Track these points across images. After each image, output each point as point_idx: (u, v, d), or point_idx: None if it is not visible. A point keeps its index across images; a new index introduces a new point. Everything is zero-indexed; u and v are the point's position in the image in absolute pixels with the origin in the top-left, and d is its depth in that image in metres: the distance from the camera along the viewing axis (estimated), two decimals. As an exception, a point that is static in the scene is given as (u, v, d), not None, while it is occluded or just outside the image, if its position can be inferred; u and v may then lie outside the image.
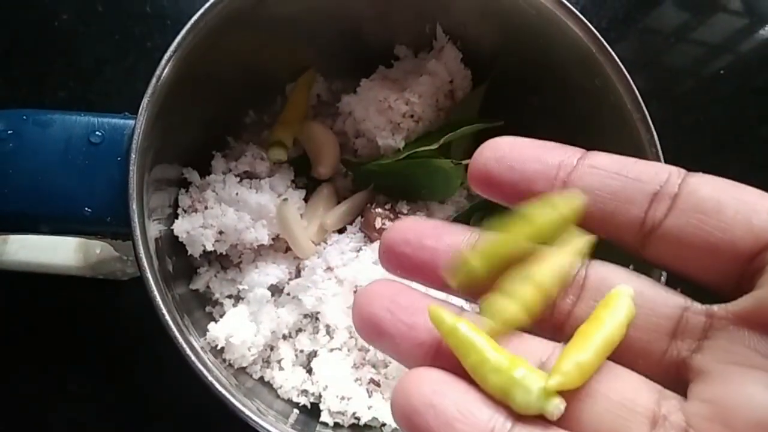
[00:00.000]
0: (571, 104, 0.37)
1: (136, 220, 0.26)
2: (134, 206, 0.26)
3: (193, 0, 0.46)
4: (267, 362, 0.37)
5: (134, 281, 0.42)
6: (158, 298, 0.26)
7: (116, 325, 0.43)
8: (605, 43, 0.32)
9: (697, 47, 0.64)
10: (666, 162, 0.51)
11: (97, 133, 0.27)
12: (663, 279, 0.28)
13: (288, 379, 0.36)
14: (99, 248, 0.40)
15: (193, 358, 0.27)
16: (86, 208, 0.27)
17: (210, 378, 0.27)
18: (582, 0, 0.60)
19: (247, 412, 0.27)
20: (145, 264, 0.26)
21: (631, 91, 0.32)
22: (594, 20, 0.59)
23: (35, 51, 0.48)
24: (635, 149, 0.33)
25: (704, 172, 0.18)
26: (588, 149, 0.20)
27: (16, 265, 0.39)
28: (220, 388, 0.27)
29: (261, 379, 0.37)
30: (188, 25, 0.28)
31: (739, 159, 0.58)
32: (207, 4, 0.29)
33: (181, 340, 0.27)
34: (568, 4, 0.33)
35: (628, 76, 0.32)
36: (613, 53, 0.32)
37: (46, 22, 0.49)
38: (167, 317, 0.27)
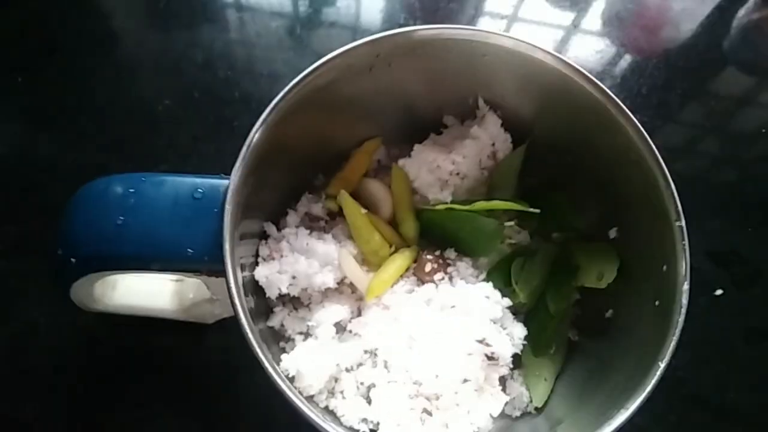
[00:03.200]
0: (599, 162, 0.41)
1: (228, 258, 0.32)
2: (227, 246, 0.32)
3: (273, 86, 0.52)
4: (331, 392, 0.41)
5: (218, 325, 0.48)
6: (245, 324, 0.32)
7: (202, 364, 0.49)
8: (623, 105, 0.37)
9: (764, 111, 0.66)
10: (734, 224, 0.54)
11: (199, 190, 0.34)
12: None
13: (350, 408, 0.40)
14: (192, 293, 0.46)
15: (278, 379, 0.31)
16: (189, 250, 0.33)
17: (292, 396, 0.31)
18: (659, 71, 0.64)
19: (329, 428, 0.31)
20: (235, 293, 0.31)
21: (649, 147, 0.37)
22: (659, 91, 0.62)
23: (142, 133, 0.57)
24: (659, 201, 0.37)
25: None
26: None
27: (122, 309, 0.46)
28: (303, 406, 0.31)
29: (326, 407, 0.41)
30: (271, 105, 0.35)
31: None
32: (285, 89, 0.36)
33: (267, 363, 0.32)
34: (589, 75, 0.38)
35: (645, 132, 0.37)
36: (629, 113, 0.37)
37: (151, 107, 0.58)
38: (254, 342, 0.32)
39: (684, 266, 0.34)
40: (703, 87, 0.67)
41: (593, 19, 0.69)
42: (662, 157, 0.36)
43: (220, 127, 0.57)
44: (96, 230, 0.34)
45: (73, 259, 0.34)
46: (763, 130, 0.64)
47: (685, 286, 0.34)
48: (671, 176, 0.36)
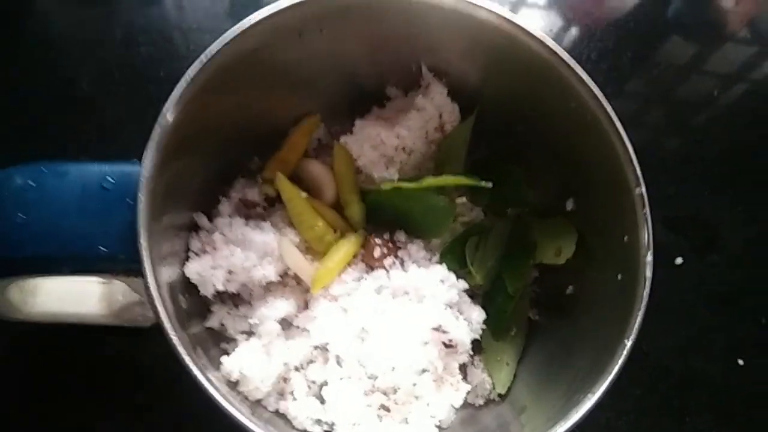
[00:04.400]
0: (553, 129, 0.39)
1: (145, 255, 0.28)
2: (143, 242, 0.28)
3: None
4: (281, 394, 0.38)
5: (157, 328, 0.44)
6: (170, 331, 0.28)
7: (140, 371, 0.45)
8: (575, 66, 0.34)
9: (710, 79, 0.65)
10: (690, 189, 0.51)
11: (108, 178, 0.30)
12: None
13: (302, 410, 0.37)
14: (121, 295, 0.42)
15: (211, 389, 0.28)
16: (101, 247, 0.29)
17: (231, 409, 0.28)
18: (601, 43, 0.62)
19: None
20: (156, 295, 0.28)
21: (603, 110, 0.34)
22: (610, 58, 0.61)
23: (59, 118, 0.52)
24: (617, 167, 0.34)
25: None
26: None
27: (45, 317, 0.41)
28: (243, 418, 0.28)
29: (276, 411, 0.38)
30: (184, 79, 0.31)
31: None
32: (200, 59, 0.32)
33: (197, 372, 0.28)
34: (537, 33, 0.35)
35: (599, 94, 0.34)
36: (582, 73, 0.34)
37: (68, 91, 0.53)
38: (181, 350, 0.28)
39: (646, 236, 0.32)
40: (650, 54, 0.65)
41: None
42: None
43: (145, 108, 0.52)
44: (-9, 231, 0.29)
45: (-30, 266, 0.30)
46: (716, 93, 0.63)
47: (649, 257, 0.32)
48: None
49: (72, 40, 0.56)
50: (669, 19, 0.68)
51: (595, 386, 0.30)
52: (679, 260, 0.54)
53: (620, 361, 0.30)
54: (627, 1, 0.68)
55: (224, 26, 0.55)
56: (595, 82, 0.34)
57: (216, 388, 0.28)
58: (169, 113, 0.30)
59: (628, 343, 0.30)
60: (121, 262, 0.30)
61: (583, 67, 0.34)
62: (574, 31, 0.64)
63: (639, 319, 0.31)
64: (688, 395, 0.50)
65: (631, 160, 0.33)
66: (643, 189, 0.33)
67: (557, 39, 0.51)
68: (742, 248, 0.56)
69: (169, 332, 0.28)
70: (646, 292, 0.31)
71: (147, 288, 0.28)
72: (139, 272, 0.29)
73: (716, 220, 0.57)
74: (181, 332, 0.29)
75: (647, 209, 0.32)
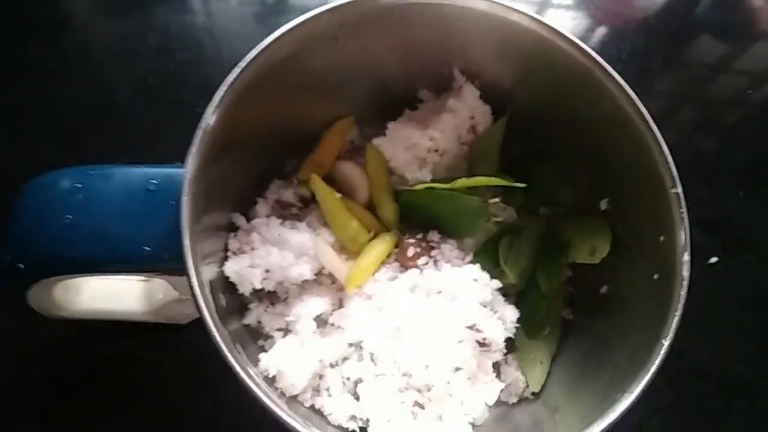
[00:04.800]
0: (586, 130, 0.39)
1: (188, 254, 0.29)
2: (186, 242, 0.29)
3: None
4: (317, 390, 0.39)
5: (194, 325, 0.45)
6: (212, 326, 0.29)
7: (177, 367, 0.46)
8: (608, 68, 0.35)
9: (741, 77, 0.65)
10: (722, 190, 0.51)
11: (152, 181, 0.31)
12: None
13: (337, 406, 0.38)
14: (161, 293, 0.43)
15: (251, 384, 0.29)
16: (145, 248, 0.30)
17: (270, 403, 0.28)
18: (629, 43, 0.62)
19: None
20: (198, 292, 0.29)
21: (638, 111, 0.34)
22: (639, 59, 0.61)
23: (97, 126, 0.53)
24: (652, 168, 0.34)
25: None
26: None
27: (89, 314, 0.42)
28: (281, 413, 0.28)
29: (312, 407, 0.38)
30: (225, 84, 0.32)
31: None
32: (240, 66, 0.33)
33: (238, 367, 0.29)
34: (571, 36, 0.35)
35: (633, 96, 0.34)
36: (616, 75, 0.34)
37: (106, 99, 0.54)
38: (222, 345, 0.29)
39: (683, 235, 0.32)
40: (680, 54, 0.65)
41: None
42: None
43: (181, 114, 0.53)
44: (42, 232, 0.31)
45: (21, 265, 0.31)
46: (749, 91, 0.62)
47: (686, 257, 0.32)
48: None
49: (108, 49, 0.58)
50: (698, 19, 0.68)
51: (632, 385, 0.30)
52: (713, 259, 0.53)
53: (658, 361, 0.30)
54: (655, 1, 0.67)
55: (253, 32, 0.56)
56: (625, 82, 0.34)
57: (256, 384, 0.29)
58: (210, 117, 0.31)
59: (666, 343, 0.30)
60: (164, 261, 0.31)
61: (612, 68, 0.34)
62: (601, 32, 0.64)
63: (677, 319, 0.31)
64: (723, 397, 0.49)
65: (667, 161, 0.33)
66: (680, 189, 0.33)
67: (585, 40, 0.50)
68: None
69: (211, 328, 0.28)
70: (683, 292, 0.31)
71: (191, 286, 0.29)
72: (182, 271, 0.30)
73: (749, 220, 0.56)
74: (222, 329, 0.30)
75: (684, 209, 0.32)
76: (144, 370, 0.46)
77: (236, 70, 0.33)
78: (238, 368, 0.28)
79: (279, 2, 0.62)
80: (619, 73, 0.34)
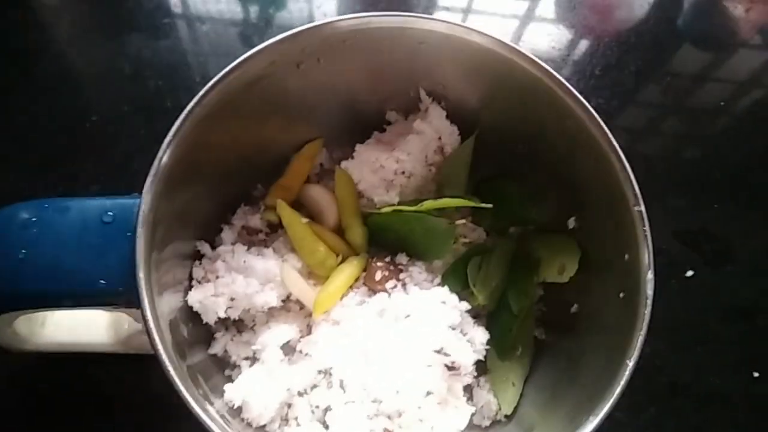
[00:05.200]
0: (552, 149, 0.38)
1: (143, 288, 0.28)
2: (141, 275, 0.28)
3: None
4: (285, 420, 0.38)
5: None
6: (166, 362, 0.28)
7: (146, 397, 0.45)
8: (568, 86, 0.35)
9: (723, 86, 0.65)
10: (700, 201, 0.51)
11: (109, 213, 0.31)
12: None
13: (306, 435, 0.37)
14: (126, 324, 0.42)
15: (207, 420, 0.28)
16: (101, 281, 0.30)
17: None
18: (611, 54, 0.62)
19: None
20: (153, 327, 0.28)
21: (600, 128, 0.34)
22: (621, 69, 0.60)
23: (68, 154, 0.53)
24: (615, 185, 0.34)
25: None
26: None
27: (53, 347, 0.42)
28: None
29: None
30: (183, 114, 0.32)
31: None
32: (198, 95, 0.32)
33: (194, 405, 0.28)
34: (531, 56, 0.35)
35: (595, 113, 0.34)
36: (576, 93, 0.34)
37: (79, 125, 0.54)
38: (177, 381, 0.28)
39: (646, 254, 0.32)
40: (660, 65, 0.65)
41: (547, 5, 0.67)
42: (621, 138, 0.34)
43: (153, 141, 0.53)
44: (-6, 268, 0.30)
45: (-25, 302, 0.31)
46: (722, 103, 0.62)
47: (649, 275, 0.31)
48: (632, 157, 0.34)
49: (83, 76, 0.58)
50: (679, 29, 0.68)
51: (597, 408, 0.29)
52: (690, 273, 0.53)
53: (622, 383, 0.30)
54: (635, 13, 0.68)
55: (230, 53, 0.56)
56: (606, 93, 0.34)
57: (212, 419, 0.28)
58: (167, 149, 0.31)
59: (630, 363, 0.30)
60: (120, 295, 0.30)
61: (587, 82, 0.34)
62: (584, 45, 0.64)
63: (641, 339, 0.30)
64: (705, 410, 0.49)
65: (630, 179, 0.33)
66: (642, 207, 0.32)
67: (567, 53, 0.50)
68: (755, 259, 0.55)
69: (165, 364, 0.28)
70: (647, 311, 0.31)
71: (145, 320, 0.28)
72: (138, 306, 0.29)
73: (727, 231, 0.56)
74: (180, 363, 0.29)
75: (647, 227, 0.32)
76: (112, 401, 0.45)
77: (195, 99, 0.33)
78: (193, 404, 0.28)
79: (252, 26, 0.62)
80: (599, 84, 0.34)
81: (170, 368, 0.27)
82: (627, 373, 0.30)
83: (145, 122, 0.54)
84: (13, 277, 0.30)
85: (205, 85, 0.33)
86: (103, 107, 0.55)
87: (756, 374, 0.50)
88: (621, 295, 0.33)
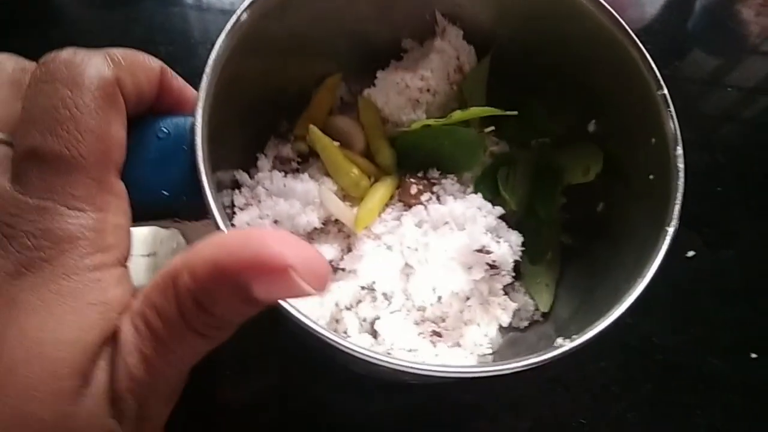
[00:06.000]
0: (570, 55, 0.40)
1: (206, 187, 0.29)
2: (204, 177, 0.29)
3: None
4: (336, 333, 0.39)
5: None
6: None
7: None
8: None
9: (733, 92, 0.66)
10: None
11: (163, 129, 0.31)
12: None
13: (357, 346, 0.38)
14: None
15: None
16: (163, 191, 0.31)
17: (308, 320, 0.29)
18: None
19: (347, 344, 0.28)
20: (222, 224, 0.29)
21: (618, 23, 0.36)
22: None
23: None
24: (637, 75, 0.36)
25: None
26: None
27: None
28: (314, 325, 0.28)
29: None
30: (220, 38, 0.33)
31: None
32: (233, 18, 0.33)
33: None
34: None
35: (612, 10, 0.36)
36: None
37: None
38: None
39: (674, 130, 0.34)
40: (671, 68, 0.66)
41: None
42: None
43: None
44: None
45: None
46: (729, 88, 0.64)
47: (679, 150, 0.33)
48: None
49: (94, 43, 0.58)
50: (690, 32, 0.69)
51: (644, 270, 0.31)
52: (690, 253, 0.54)
53: (665, 246, 0.31)
54: (646, 14, 0.68)
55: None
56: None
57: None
58: (209, 69, 0.32)
59: (670, 230, 0.32)
60: (184, 204, 0.31)
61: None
62: None
63: (677, 208, 0.32)
64: (700, 389, 0.49)
65: (651, 66, 0.35)
66: (665, 90, 0.34)
67: None
68: (755, 242, 0.57)
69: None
70: (681, 182, 0.33)
71: (214, 218, 0.29)
72: (201, 214, 0.30)
73: (730, 216, 0.57)
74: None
75: (672, 108, 0.34)
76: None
77: (229, 24, 0.33)
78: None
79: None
80: None
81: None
82: (668, 238, 0.32)
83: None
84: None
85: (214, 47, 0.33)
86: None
87: (754, 355, 0.51)
88: (651, 177, 0.35)
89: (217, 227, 0.29)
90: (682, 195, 0.32)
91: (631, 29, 0.36)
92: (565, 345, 0.29)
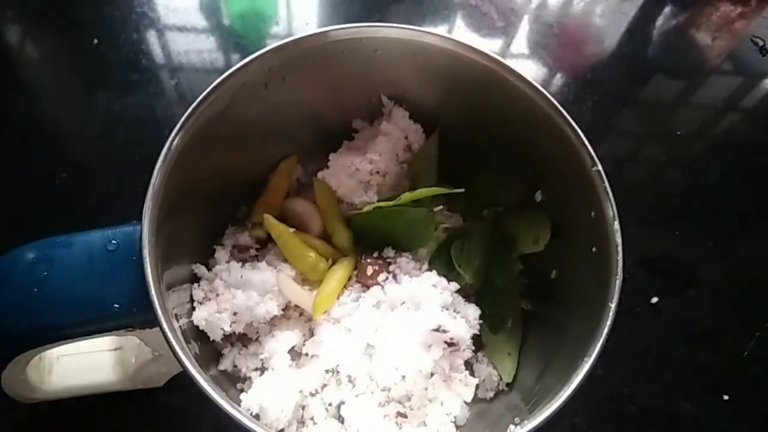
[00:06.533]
0: (511, 132, 0.42)
1: (156, 302, 0.30)
2: (153, 291, 0.30)
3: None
4: (301, 422, 0.40)
5: (171, 384, 0.45)
6: (188, 365, 0.30)
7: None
8: (516, 69, 0.38)
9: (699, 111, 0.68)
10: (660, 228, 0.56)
11: (112, 241, 0.32)
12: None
13: (324, 432, 0.39)
14: (133, 357, 0.44)
15: (242, 417, 0.29)
16: (115, 305, 0.31)
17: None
18: (587, 87, 0.65)
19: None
20: (171, 336, 0.30)
21: (550, 103, 0.37)
22: (596, 101, 0.64)
23: (39, 211, 0.54)
24: (573, 152, 0.37)
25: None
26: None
27: (64, 392, 0.43)
28: None
29: (298, 440, 0.39)
30: (169, 140, 0.34)
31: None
32: (180, 121, 0.34)
33: (222, 402, 0.29)
34: (477, 47, 0.39)
35: (542, 89, 0.38)
36: (524, 74, 0.38)
37: (50, 181, 0.55)
38: (201, 381, 0.29)
39: (610, 207, 0.35)
40: (636, 94, 0.69)
41: (520, 46, 0.71)
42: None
43: (124, 194, 0.54)
44: (10, 309, 0.31)
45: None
46: (678, 133, 0.66)
47: (616, 225, 0.34)
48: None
49: (53, 134, 0.59)
50: (650, 59, 0.72)
51: (589, 350, 0.32)
52: (654, 299, 0.55)
53: (608, 323, 0.32)
54: (606, 46, 0.71)
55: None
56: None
57: (243, 413, 0.29)
58: (157, 175, 0.33)
59: (612, 305, 0.33)
60: (135, 315, 0.32)
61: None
62: (559, 79, 0.68)
63: (618, 283, 0.33)
64: None
65: (584, 144, 0.36)
66: (600, 167, 0.36)
67: (544, 86, 0.52)
68: (717, 282, 0.58)
69: (188, 366, 0.29)
70: (619, 257, 0.34)
71: (163, 331, 0.30)
72: (154, 322, 0.31)
73: (689, 257, 0.58)
74: (200, 370, 0.31)
75: (606, 183, 0.35)
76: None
77: (176, 127, 0.35)
78: (221, 402, 0.29)
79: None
80: (574, 117, 0.37)
81: (198, 377, 0.29)
82: (610, 314, 0.32)
83: (115, 178, 0.56)
84: (30, 314, 0.31)
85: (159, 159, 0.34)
86: (73, 164, 0.57)
87: (726, 397, 0.51)
88: (593, 249, 0.36)
89: (167, 341, 0.30)
90: (621, 271, 0.33)
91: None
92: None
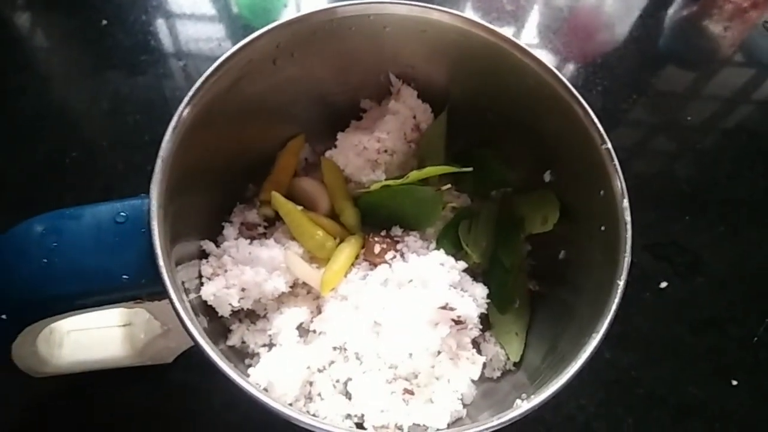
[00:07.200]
0: (520, 110, 0.41)
1: (165, 273, 0.30)
2: (161, 263, 0.30)
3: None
4: (309, 397, 0.40)
5: (180, 361, 0.46)
6: (199, 337, 0.30)
7: (168, 409, 0.47)
8: (525, 47, 0.38)
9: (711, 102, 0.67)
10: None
11: (121, 214, 0.32)
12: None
13: (331, 408, 0.39)
14: (143, 333, 0.44)
15: (252, 389, 0.29)
16: (123, 276, 0.31)
17: (272, 402, 0.29)
18: (597, 76, 0.65)
19: (312, 421, 0.29)
20: (180, 308, 0.30)
21: (559, 80, 0.37)
22: (607, 91, 0.63)
23: (49, 190, 0.54)
24: (582, 130, 0.37)
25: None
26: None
27: (74, 366, 0.43)
28: (285, 409, 0.29)
29: (307, 413, 0.39)
30: (176, 114, 0.34)
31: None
32: (188, 96, 0.34)
33: (232, 374, 0.29)
34: (486, 24, 0.38)
35: (551, 66, 0.37)
36: (533, 52, 0.38)
37: (60, 161, 0.56)
38: (213, 355, 0.29)
39: (619, 184, 0.35)
40: (647, 84, 0.68)
41: (530, 32, 0.70)
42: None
43: (132, 174, 0.55)
44: (20, 278, 0.32)
45: (3, 316, 0.32)
46: (689, 118, 0.65)
47: (625, 203, 0.34)
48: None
49: (63, 114, 0.59)
50: (661, 49, 0.71)
51: (598, 326, 0.32)
52: (663, 284, 0.55)
53: (616, 300, 0.32)
54: (617, 34, 0.71)
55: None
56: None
57: (252, 386, 0.30)
58: (166, 147, 0.33)
59: (621, 283, 0.33)
60: (143, 287, 0.32)
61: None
62: (569, 69, 0.67)
63: (627, 261, 0.33)
64: (683, 420, 0.50)
65: (594, 122, 0.36)
66: (609, 145, 0.36)
67: None
68: (725, 269, 0.57)
69: (201, 342, 0.29)
70: (628, 234, 0.34)
71: (173, 303, 0.30)
72: (162, 294, 0.31)
73: (697, 243, 0.58)
74: (210, 343, 0.31)
75: (616, 161, 0.35)
76: (135, 417, 0.46)
77: (184, 102, 0.35)
78: (232, 374, 0.29)
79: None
80: (589, 104, 0.36)
81: (208, 348, 0.29)
82: (619, 292, 0.32)
83: (124, 157, 0.56)
84: (39, 285, 0.31)
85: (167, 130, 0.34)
86: (83, 143, 0.57)
87: (734, 382, 0.51)
88: (602, 228, 0.36)
89: (176, 312, 0.30)
90: (630, 249, 0.33)
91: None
92: (522, 406, 0.29)
